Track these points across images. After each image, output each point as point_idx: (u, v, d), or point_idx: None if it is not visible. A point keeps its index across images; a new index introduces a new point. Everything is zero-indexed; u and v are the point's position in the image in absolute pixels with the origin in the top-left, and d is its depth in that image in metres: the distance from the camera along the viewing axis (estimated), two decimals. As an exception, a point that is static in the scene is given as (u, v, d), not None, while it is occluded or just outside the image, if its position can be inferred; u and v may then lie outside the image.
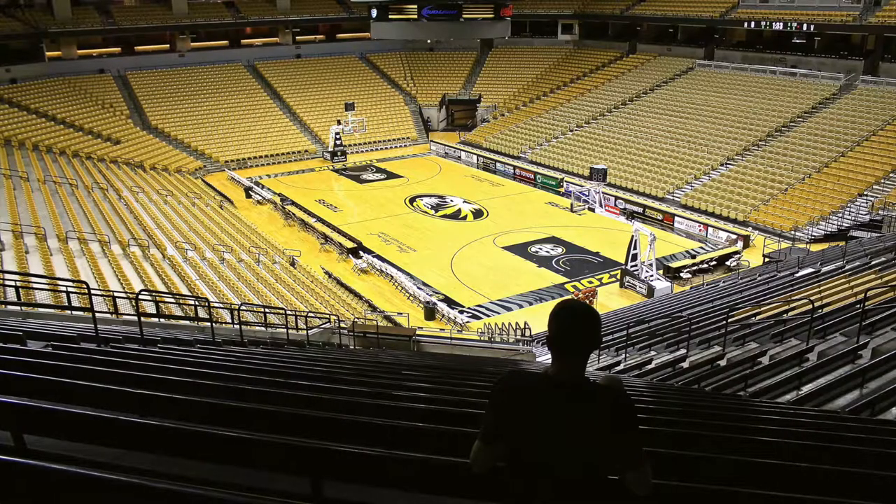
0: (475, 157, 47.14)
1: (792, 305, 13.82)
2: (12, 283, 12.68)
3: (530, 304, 25.41)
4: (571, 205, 36.37)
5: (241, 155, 47.03)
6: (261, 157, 47.38)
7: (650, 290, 25.44)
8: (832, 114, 38.43)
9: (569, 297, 24.88)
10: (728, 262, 28.22)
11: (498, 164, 45.23)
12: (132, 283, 19.40)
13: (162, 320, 14.61)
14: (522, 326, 21.29)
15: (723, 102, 43.00)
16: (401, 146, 51.54)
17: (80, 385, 4.14)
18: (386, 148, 51.03)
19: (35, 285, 14.90)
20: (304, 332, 16.08)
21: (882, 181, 32.22)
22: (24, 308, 12.30)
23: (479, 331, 22.23)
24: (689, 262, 28.26)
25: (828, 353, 9.08)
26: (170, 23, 53.43)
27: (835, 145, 35.64)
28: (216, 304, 17.46)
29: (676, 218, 33.65)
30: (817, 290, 15.19)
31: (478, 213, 36.38)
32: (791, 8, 44.36)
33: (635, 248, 26.19)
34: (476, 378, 7.51)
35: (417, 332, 19.56)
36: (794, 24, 43.22)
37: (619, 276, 27.08)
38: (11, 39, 46.68)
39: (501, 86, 56.05)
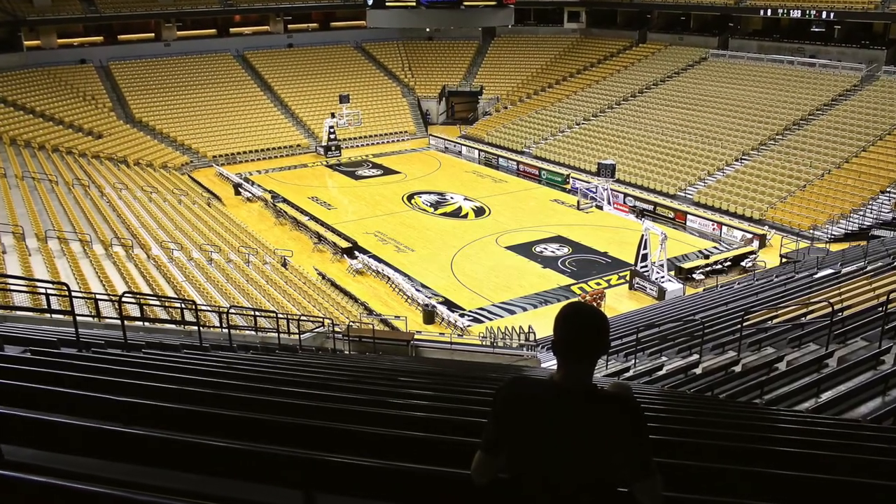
0: (476, 151, 47.15)
1: (810, 308, 13.83)
2: (-11, 285, 12.69)
3: (535, 306, 25.42)
4: (578, 202, 36.37)
5: (230, 150, 47.04)
6: (251, 151, 47.39)
7: (661, 293, 25.46)
8: (853, 106, 38.44)
9: (575, 299, 24.87)
10: (743, 263, 28.23)
11: (500, 160, 45.25)
12: (115, 285, 19.41)
13: (146, 324, 14.62)
14: (526, 330, 21.30)
15: (738, 94, 43.01)
16: (398, 140, 51.55)
17: (61, 392, 4.14)
18: (383, 142, 51.03)
19: (12, 287, 14.89)
20: (297, 336, 16.09)
21: (905, 177, 32.25)
22: (0, 311, 12.30)
23: (481, 335, 22.23)
24: (702, 262, 28.27)
25: (848, 359, 9.08)
26: (155, 10, 53.42)
27: (856, 139, 35.64)
28: (203, 307, 17.46)
29: (689, 216, 33.66)
30: (837, 292, 15.19)
31: (479, 211, 36.39)
32: (810, -6, 44.39)
33: (645, 248, 26.19)
34: (478, 385, 7.51)
35: (416, 337, 19.57)
36: (813, 12, 43.23)
37: (628, 278, 27.10)
38: (-12, 28, 46.74)
39: (504, 77, 56.06)
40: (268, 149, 47.91)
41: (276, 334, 15.20)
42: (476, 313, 25.07)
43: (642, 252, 26.24)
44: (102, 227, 26.54)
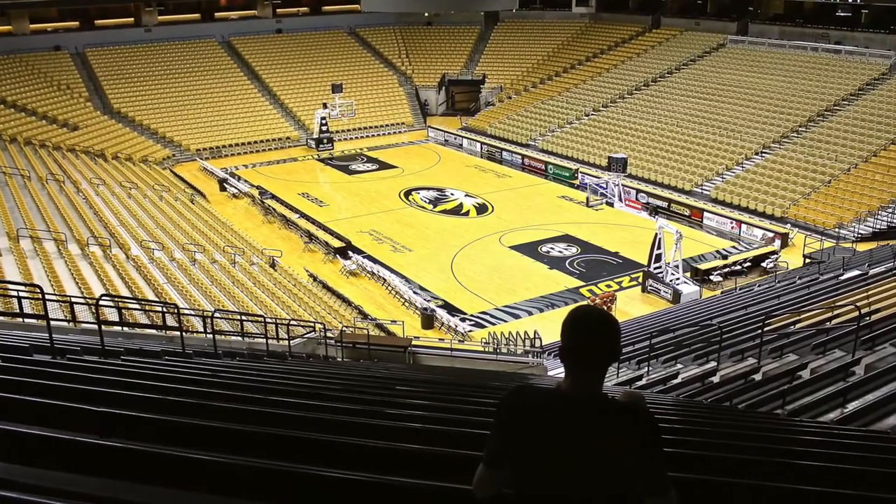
0: (478, 144, 47.18)
1: (836, 312, 13.82)
2: (-44, 287, 12.70)
3: (541, 310, 25.42)
4: (587, 199, 36.40)
5: (215, 143, 47.05)
6: (237, 144, 47.41)
7: (676, 295, 25.46)
8: (881, 96, 38.44)
9: (584, 302, 24.88)
10: (764, 264, 28.23)
11: (504, 153, 45.25)
12: (92, 288, 19.40)
13: (125, 329, 14.61)
14: (532, 336, 21.30)
15: (758, 83, 43.01)
16: (395, 133, 51.58)
17: (33, 402, 4.14)
18: (378, 135, 51.05)
19: (-18, 289, 14.90)
20: (286, 342, 16.10)
21: (937, 172, 32.26)
22: (-31, 315, 12.30)
23: (483, 341, 22.23)
24: (719, 263, 28.27)
25: (876, 367, 9.08)
26: (134, -7, 53.50)
27: (884, 132, 35.64)
28: (186, 311, 17.47)
29: (705, 213, 33.66)
30: (864, 295, 15.19)
31: (481, 209, 36.41)
32: (835, -23, 44.43)
33: (659, 248, 26.19)
34: (480, 394, 7.52)
35: (413, 343, 19.57)
36: (839, -5, 43.24)
37: (640, 280, 27.10)
38: (-45, 12, 46.76)
39: (508, 65, 56.07)
40: (255, 142, 47.92)
41: (263, 340, 15.20)
42: (478, 317, 25.07)
43: (656, 252, 26.23)
44: (78, 225, 26.54)
